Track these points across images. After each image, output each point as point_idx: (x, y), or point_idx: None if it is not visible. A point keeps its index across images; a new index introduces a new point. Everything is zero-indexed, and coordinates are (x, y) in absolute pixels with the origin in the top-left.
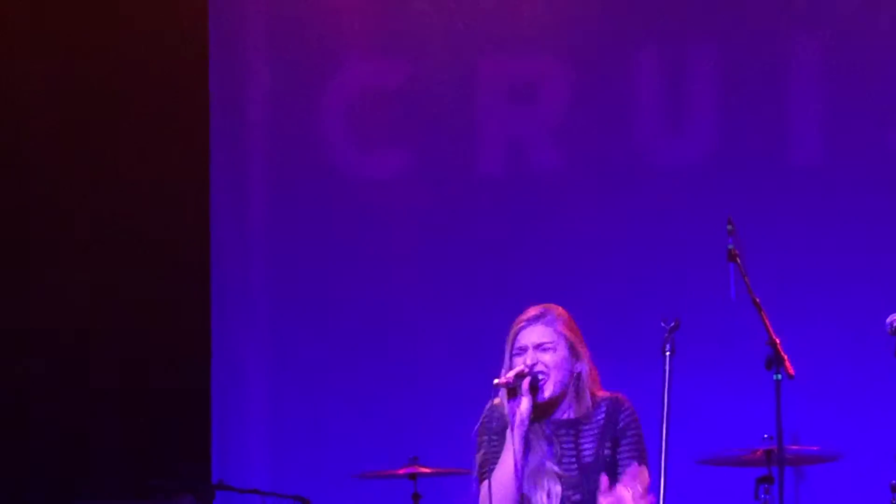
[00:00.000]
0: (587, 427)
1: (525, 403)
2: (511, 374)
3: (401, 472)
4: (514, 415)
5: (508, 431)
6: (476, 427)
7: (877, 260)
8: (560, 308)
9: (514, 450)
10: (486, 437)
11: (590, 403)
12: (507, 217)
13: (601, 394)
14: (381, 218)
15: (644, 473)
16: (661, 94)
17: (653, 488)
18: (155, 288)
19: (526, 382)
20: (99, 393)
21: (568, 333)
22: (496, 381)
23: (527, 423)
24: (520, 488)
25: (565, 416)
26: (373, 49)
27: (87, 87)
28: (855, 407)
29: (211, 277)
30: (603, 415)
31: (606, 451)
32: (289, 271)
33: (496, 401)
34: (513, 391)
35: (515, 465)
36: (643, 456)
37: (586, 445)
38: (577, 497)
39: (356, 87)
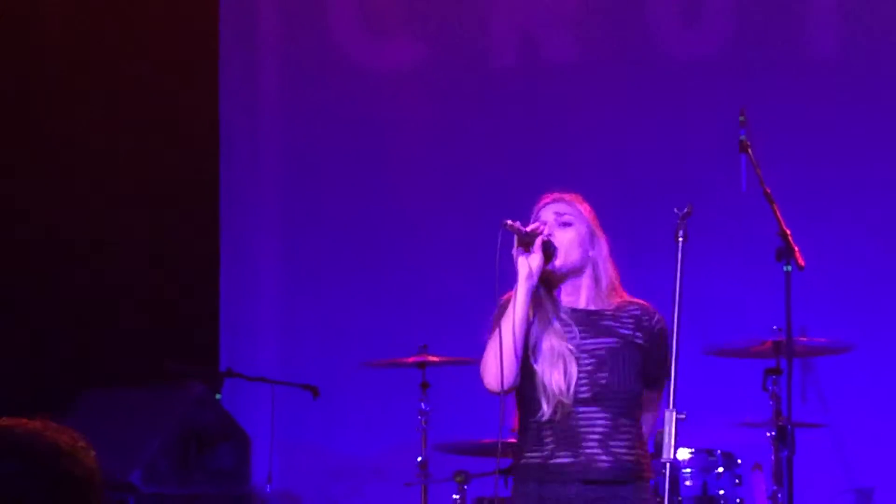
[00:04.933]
0: (611, 320)
1: (536, 259)
2: (529, 227)
3: (410, 360)
4: (522, 266)
5: (516, 286)
6: (494, 312)
7: (889, 152)
8: (582, 198)
9: (520, 302)
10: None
11: (615, 300)
12: (521, 108)
13: (627, 297)
14: (395, 109)
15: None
16: None
17: None
18: (163, 182)
19: (539, 240)
20: (111, 283)
21: (588, 216)
22: (509, 221)
23: (535, 278)
24: (524, 344)
25: (584, 306)
26: None
27: None
28: (864, 299)
29: (220, 168)
30: (633, 314)
31: (636, 352)
32: (300, 161)
33: (511, 293)
34: (526, 244)
35: (522, 316)
36: (668, 374)
37: (612, 335)
38: (603, 381)
39: None
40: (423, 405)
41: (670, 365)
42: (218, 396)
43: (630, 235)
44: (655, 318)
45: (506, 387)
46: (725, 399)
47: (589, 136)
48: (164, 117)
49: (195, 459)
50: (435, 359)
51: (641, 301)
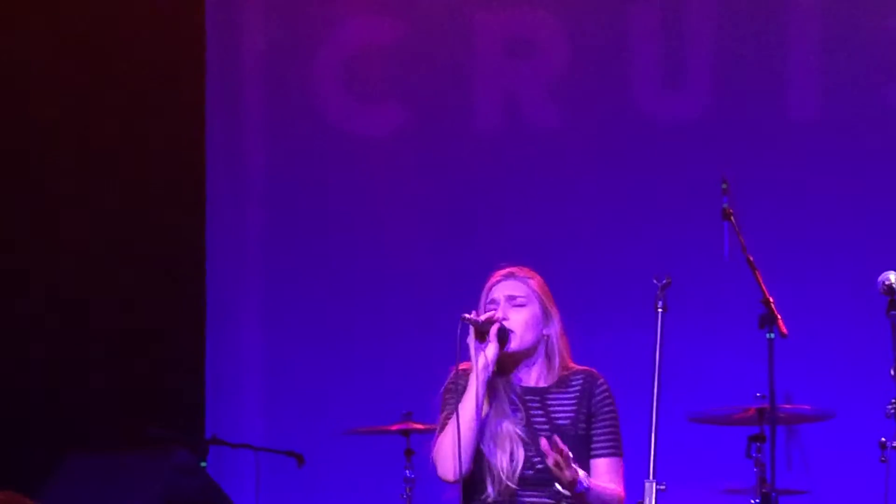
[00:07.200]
0: (558, 396)
1: (492, 349)
2: (483, 316)
3: (394, 428)
4: (478, 358)
5: (471, 376)
6: (442, 388)
7: (871, 218)
8: (533, 271)
9: (475, 393)
10: (451, 397)
11: (562, 373)
12: (504, 172)
13: (573, 366)
14: (378, 174)
15: (621, 466)
16: (659, 48)
17: (644, 446)
18: (149, 246)
19: (494, 328)
20: (93, 349)
21: (541, 293)
22: (466, 315)
23: (491, 368)
24: (478, 434)
25: (534, 384)
26: (369, 4)
27: (85, 42)
28: (847, 366)
29: (206, 235)
30: (578, 386)
31: (581, 426)
32: (285, 226)
33: (462, 365)
34: (482, 334)
35: (477, 407)
36: (620, 444)
37: (559, 414)
38: (543, 463)
39: (353, 43)
40: (407, 473)
41: (620, 435)
42: (203, 464)
43: (611, 302)
44: (599, 382)
45: (460, 476)
46: (709, 467)
47: (571, 201)
48: (149, 181)
49: None
50: (419, 426)
51: (586, 368)
